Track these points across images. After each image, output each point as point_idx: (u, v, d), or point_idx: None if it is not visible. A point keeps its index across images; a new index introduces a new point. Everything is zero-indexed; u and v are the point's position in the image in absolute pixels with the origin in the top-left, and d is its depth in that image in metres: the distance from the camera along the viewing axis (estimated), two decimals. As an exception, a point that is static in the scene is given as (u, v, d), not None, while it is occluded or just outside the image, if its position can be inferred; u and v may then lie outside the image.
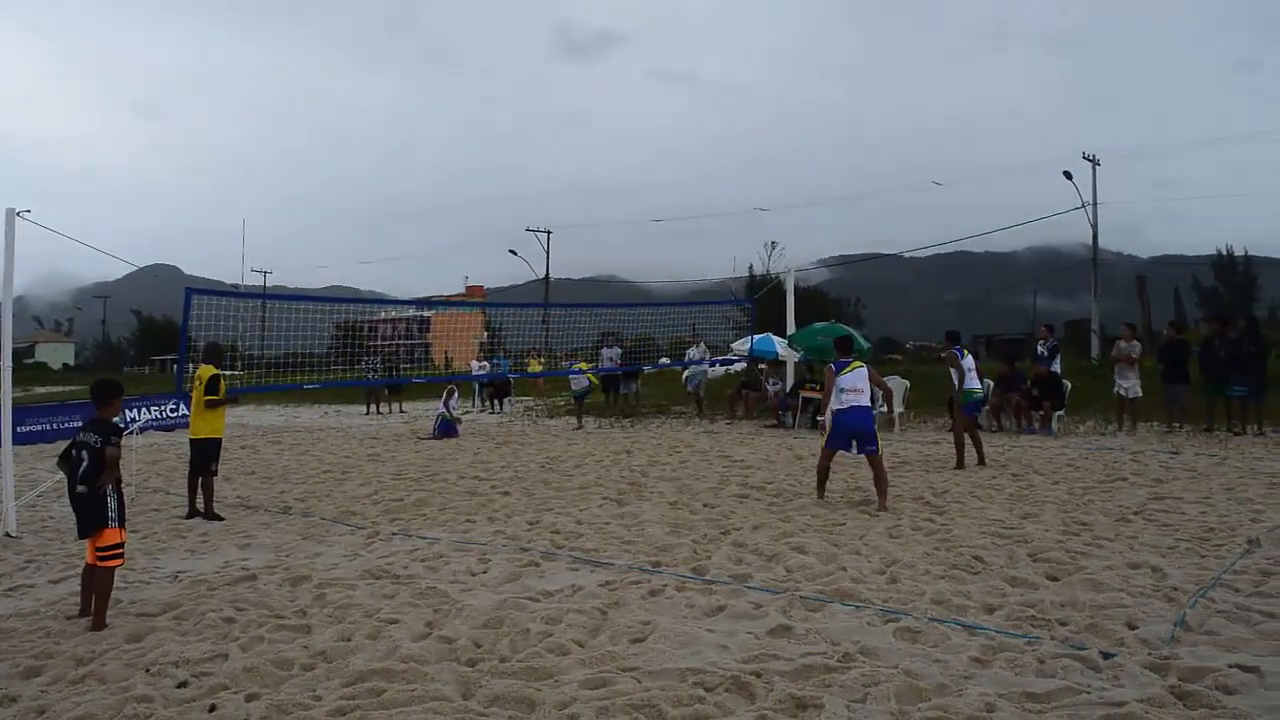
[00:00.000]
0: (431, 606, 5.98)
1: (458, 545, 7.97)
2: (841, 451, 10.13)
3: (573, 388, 21.83)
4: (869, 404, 9.95)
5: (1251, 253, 76.18)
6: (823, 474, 10.21)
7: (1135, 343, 18.29)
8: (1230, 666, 4.56)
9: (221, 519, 9.73)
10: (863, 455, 10.01)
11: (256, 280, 71.59)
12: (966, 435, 12.62)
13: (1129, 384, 17.62)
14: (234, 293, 28.46)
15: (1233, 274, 73.03)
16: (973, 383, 12.80)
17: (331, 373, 20.76)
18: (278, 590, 6.53)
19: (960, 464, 12.42)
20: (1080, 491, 10.21)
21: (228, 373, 12.64)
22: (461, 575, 6.88)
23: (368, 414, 26.20)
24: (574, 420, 21.53)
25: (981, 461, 12.58)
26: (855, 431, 9.85)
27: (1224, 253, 74.69)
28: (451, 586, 6.51)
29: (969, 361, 12.82)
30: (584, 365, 22.00)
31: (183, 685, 4.64)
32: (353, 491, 11.27)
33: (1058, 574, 6.56)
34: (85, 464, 5.89)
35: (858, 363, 10.02)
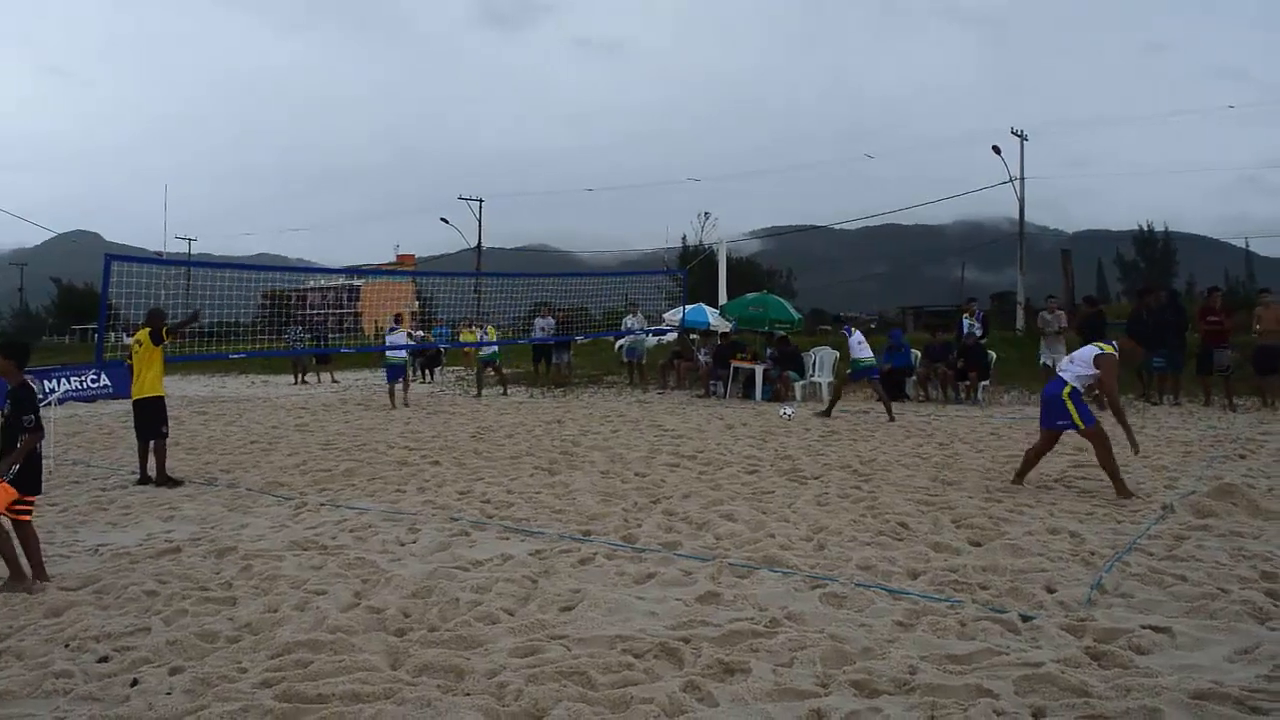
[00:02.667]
0: (360, 577, 5.93)
1: (387, 515, 7.92)
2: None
3: (481, 354, 21.66)
4: (1063, 375, 8.65)
5: (1171, 228, 78.12)
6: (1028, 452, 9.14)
7: (1060, 313, 18.75)
8: (1143, 628, 4.71)
9: (179, 483, 9.57)
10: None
11: (180, 248, 69.97)
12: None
13: (1057, 356, 18.00)
14: (157, 260, 27.81)
15: (1153, 249, 74.84)
16: (862, 353, 15.60)
17: (258, 342, 20.40)
18: (202, 562, 6.43)
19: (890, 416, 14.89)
20: (1003, 460, 10.43)
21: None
22: (390, 545, 6.84)
23: (295, 384, 25.86)
24: (496, 388, 21.49)
25: (890, 418, 14.79)
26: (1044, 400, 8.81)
27: (1144, 228, 76.49)
28: (380, 557, 6.47)
29: (856, 337, 15.84)
30: (494, 332, 21.83)
31: (104, 660, 4.56)
32: (280, 462, 11.12)
33: (980, 540, 6.71)
34: None
35: (1107, 347, 8.56)
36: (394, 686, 4.09)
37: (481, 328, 21.98)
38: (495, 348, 21.55)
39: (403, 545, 6.86)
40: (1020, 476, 8.94)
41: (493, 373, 21.68)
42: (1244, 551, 6.25)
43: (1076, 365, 8.58)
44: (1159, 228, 76.68)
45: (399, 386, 19.04)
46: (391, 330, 20.24)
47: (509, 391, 21.40)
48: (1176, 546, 6.44)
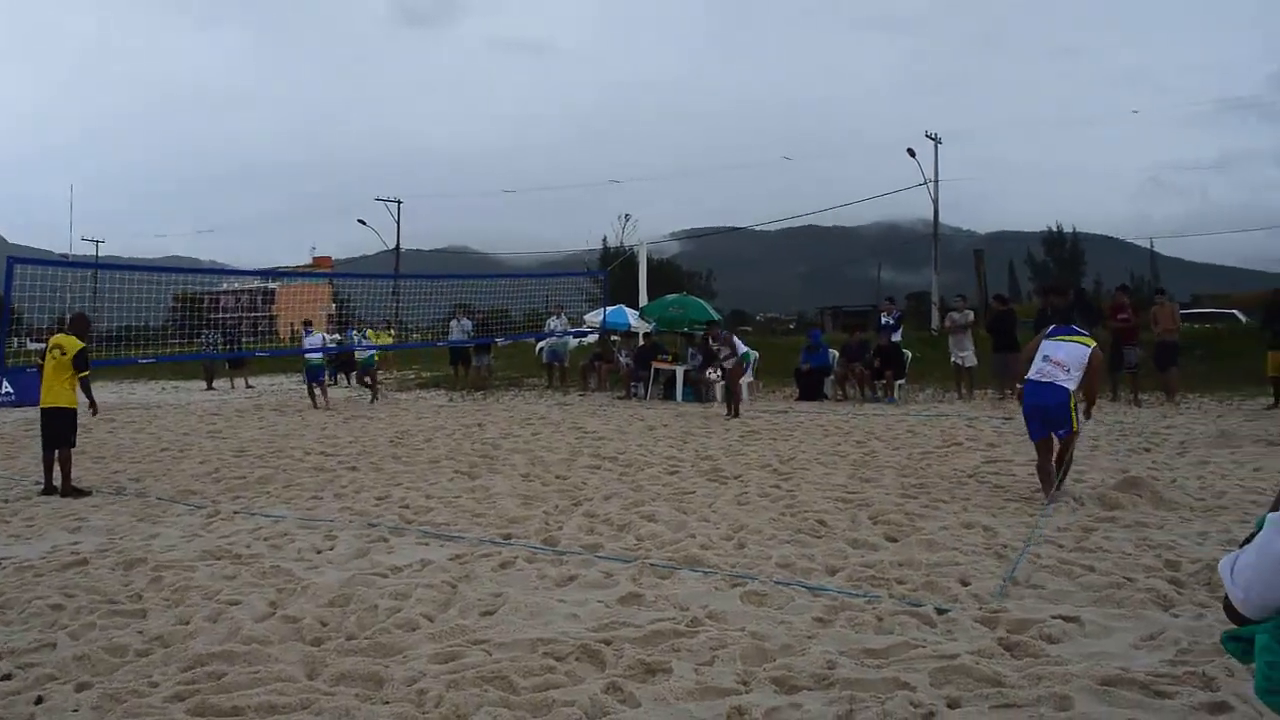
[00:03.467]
0: (275, 586, 5.82)
1: (303, 522, 7.77)
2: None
3: (358, 357, 20.86)
4: (1065, 385, 7.92)
5: (1079, 229, 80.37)
6: (1041, 471, 8.29)
7: (968, 312, 19.20)
8: (1054, 618, 4.83)
9: (86, 493, 9.29)
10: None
11: (88, 250, 67.98)
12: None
13: (965, 353, 18.46)
14: (62, 262, 27.02)
15: (1061, 249, 76.91)
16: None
17: (169, 347, 19.93)
18: (110, 574, 6.25)
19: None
20: (919, 456, 10.62)
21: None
22: (307, 553, 6.72)
23: (206, 389, 25.27)
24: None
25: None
26: (1032, 410, 8.15)
27: (1054, 229, 78.58)
28: (296, 565, 6.35)
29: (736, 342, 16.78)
30: (374, 335, 21.19)
31: (6, 677, 4.40)
32: (192, 470, 10.87)
33: (896, 535, 6.83)
34: None
35: (1089, 340, 8.15)
36: (311, 697, 4.02)
37: (360, 331, 21.07)
38: (373, 353, 20.77)
39: (319, 553, 6.74)
40: (1052, 489, 7.96)
41: (368, 380, 20.88)
42: (1149, 541, 6.45)
43: (1074, 371, 7.91)
44: (1068, 228, 78.93)
45: (318, 389, 18.74)
46: (308, 334, 19.93)
47: (378, 399, 20.31)
48: (1085, 538, 6.62)
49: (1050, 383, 7.96)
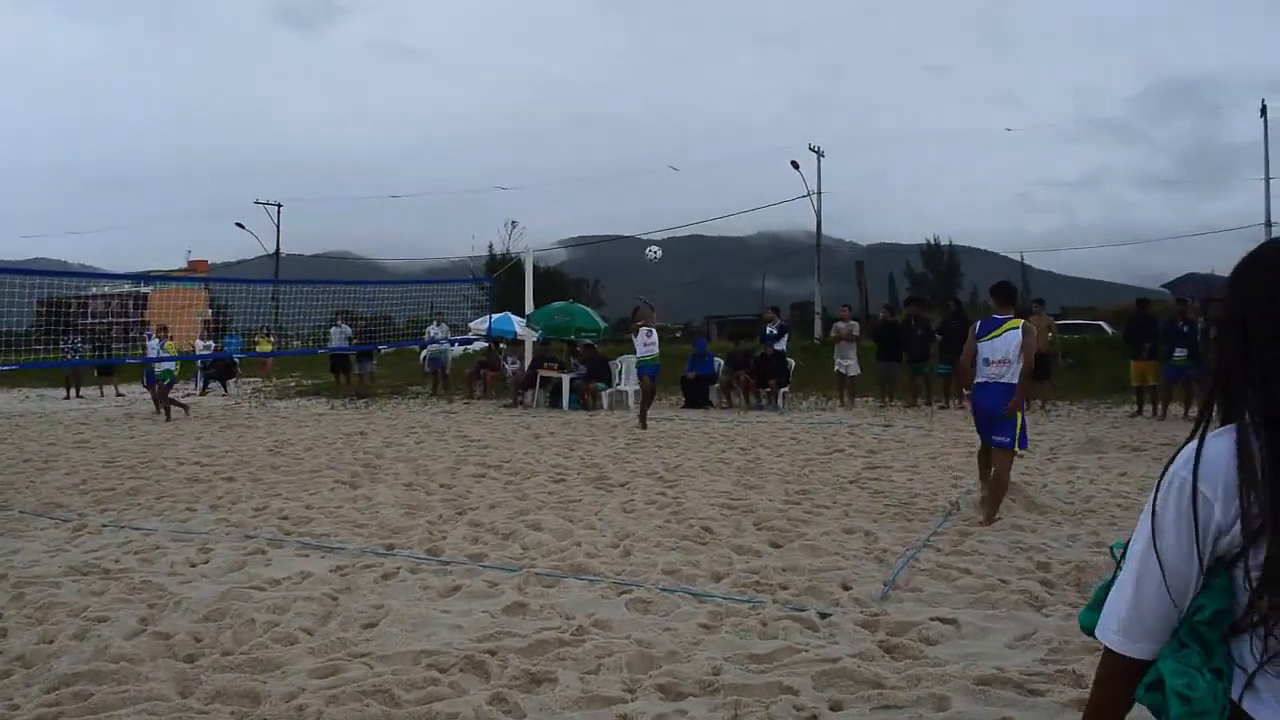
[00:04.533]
0: (146, 601, 5.60)
1: (176, 535, 7.50)
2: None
3: (156, 370, 18.83)
4: (1010, 381, 7.63)
5: (955, 242, 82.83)
6: (981, 466, 8.22)
7: (853, 322, 19.70)
8: (932, 620, 4.96)
9: None
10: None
11: (-56, 252, 64.61)
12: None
13: (848, 362, 18.91)
14: (-84, 265, 25.58)
15: (939, 261, 79.17)
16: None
17: (32, 353, 19.04)
18: (-33, 592, 5.94)
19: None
20: (802, 463, 10.79)
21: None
22: (180, 567, 6.48)
23: (68, 398, 24.18)
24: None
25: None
26: (981, 412, 7.89)
27: (931, 242, 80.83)
28: (169, 579, 6.12)
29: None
30: (171, 347, 18.95)
31: None
32: (57, 481, 10.40)
33: (780, 541, 6.93)
34: None
35: (1014, 322, 7.77)
36: (184, 716, 3.88)
37: (160, 340, 19.09)
38: (171, 365, 18.65)
39: (193, 566, 6.51)
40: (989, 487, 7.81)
41: (158, 389, 18.66)
42: (1021, 544, 6.69)
43: (1014, 362, 7.62)
44: (944, 241, 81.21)
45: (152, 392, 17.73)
46: (149, 339, 19.11)
47: (168, 416, 17.97)
48: (961, 542, 6.82)
49: (995, 383, 7.69)
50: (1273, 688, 1.42)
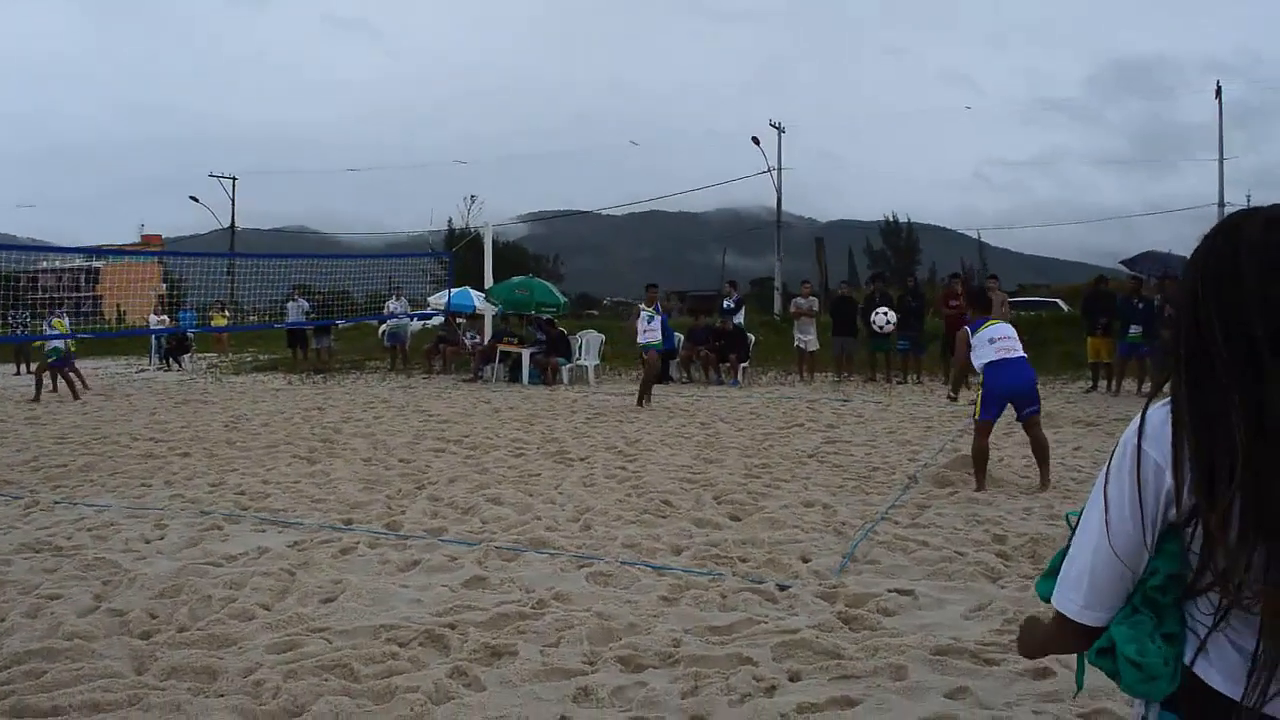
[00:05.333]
0: (100, 578, 5.52)
1: (130, 512, 7.41)
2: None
3: (48, 347, 17.42)
4: (1022, 353, 7.87)
5: (913, 220, 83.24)
6: (981, 457, 7.91)
7: (812, 298, 19.80)
8: (890, 591, 5.02)
9: None
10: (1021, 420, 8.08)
11: (-113, 224, 63.13)
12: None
13: (808, 338, 19.00)
14: None
15: (898, 238, 79.57)
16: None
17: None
18: (-85, 570, 5.84)
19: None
20: (761, 437, 10.84)
21: None
22: (135, 543, 6.40)
23: (18, 374, 23.73)
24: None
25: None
26: (1014, 390, 7.80)
27: (890, 219, 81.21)
28: (123, 556, 6.04)
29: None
30: (60, 325, 18.18)
31: None
32: (7, 459, 10.23)
33: (740, 514, 6.97)
34: None
35: (995, 320, 8.05)
36: (139, 693, 3.84)
37: (46, 320, 18.04)
38: (59, 345, 17.14)
39: (148, 543, 6.44)
40: (984, 476, 7.93)
41: (48, 374, 17.28)
42: (978, 517, 6.77)
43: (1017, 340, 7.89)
44: (903, 219, 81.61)
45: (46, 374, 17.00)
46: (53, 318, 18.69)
47: (40, 394, 17.28)
48: (919, 515, 6.90)
49: (1022, 357, 7.80)
50: (1223, 652, 1.45)
